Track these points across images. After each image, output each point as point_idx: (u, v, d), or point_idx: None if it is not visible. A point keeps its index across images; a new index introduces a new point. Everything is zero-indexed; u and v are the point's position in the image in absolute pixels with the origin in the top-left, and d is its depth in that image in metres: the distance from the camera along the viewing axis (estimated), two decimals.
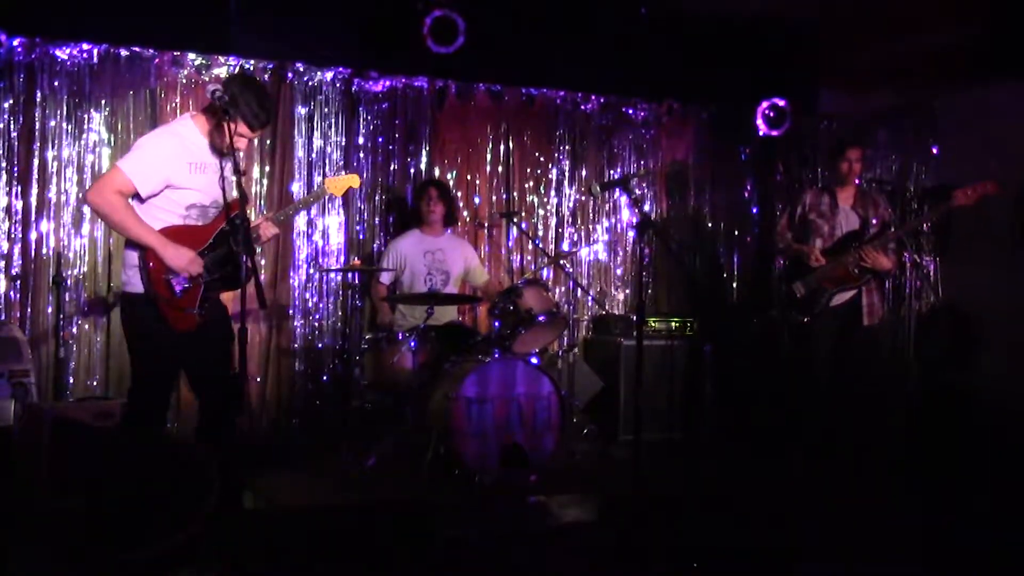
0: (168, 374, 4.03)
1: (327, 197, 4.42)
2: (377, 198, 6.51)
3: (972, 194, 5.26)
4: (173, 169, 3.83)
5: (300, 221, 6.25)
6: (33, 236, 5.60)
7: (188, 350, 3.94)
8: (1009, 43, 6.10)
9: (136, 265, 3.84)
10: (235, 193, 3.83)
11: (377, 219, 6.53)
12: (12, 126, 5.57)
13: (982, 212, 5.41)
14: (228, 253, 3.93)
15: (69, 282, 5.63)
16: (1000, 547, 4.08)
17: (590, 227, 7.21)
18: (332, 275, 6.36)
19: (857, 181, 5.79)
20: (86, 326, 5.71)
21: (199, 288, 3.90)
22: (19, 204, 5.58)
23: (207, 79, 5.89)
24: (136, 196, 3.82)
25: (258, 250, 4.33)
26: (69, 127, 5.68)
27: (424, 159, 6.62)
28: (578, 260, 7.15)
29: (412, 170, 6.60)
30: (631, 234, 7.26)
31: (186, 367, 4.10)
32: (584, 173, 7.13)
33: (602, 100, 7.13)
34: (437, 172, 6.64)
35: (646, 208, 7.28)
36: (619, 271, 7.32)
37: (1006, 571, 3.91)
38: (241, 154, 4.06)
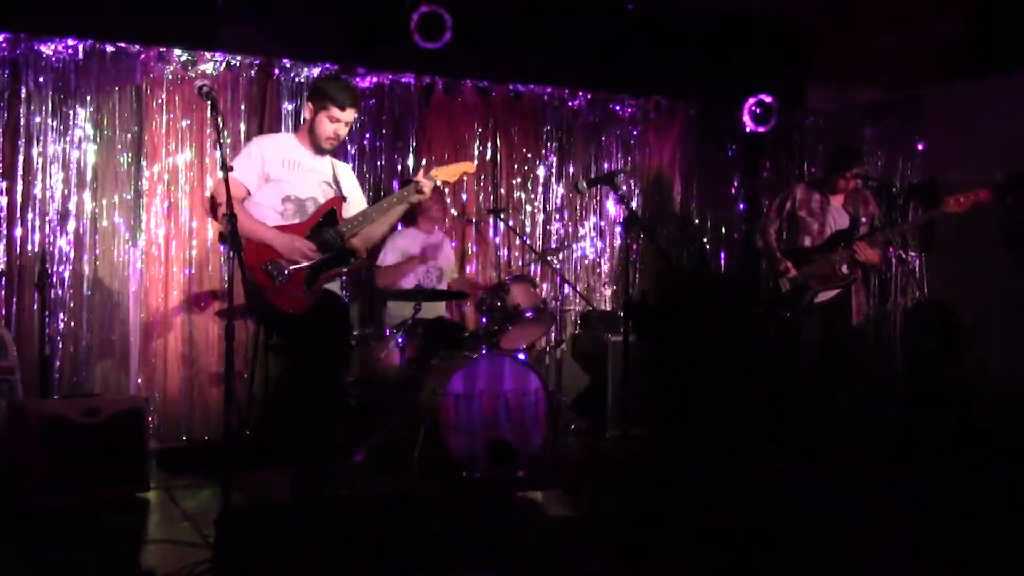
0: (302, 355, 4.24)
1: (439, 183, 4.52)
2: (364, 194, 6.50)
3: (964, 201, 5.28)
4: (267, 162, 4.23)
5: None
6: (18, 233, 5.56)
7: (304, 330, 4.16)
8: (994, 38, 6.13)
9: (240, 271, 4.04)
10: (332, 194, 4.33)
11: None
12: None
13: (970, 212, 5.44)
14: (327, 240, 4.20)
15: (54, 278, 5.61)
16: (983, 537, 4.11)
17: (577, 223, 7.23)
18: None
19: None
20: (72, 322, 5.68)
21: (303, 271, 4.13)
22: (4, 201, 5.54)
23: (193, 75, 5.87)
24: (248, 196, 4.24)
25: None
26: (54, 123, 5.64)
27: (411, 155, 6.61)
28: (565, 256, 7.16)
29: (399, 166, 6.59)
30: (618, 230, 7.28)
31: (304, 348, 4.24)
32: (571, 169, 7.15)
33: (589, 96, 7.14)
34: (424, 169, 6.63)
35: (633, 204, 7.30)
36: (606, 267, 7.34)
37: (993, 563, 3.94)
38: (229, 149, 4.17)
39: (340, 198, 4.38)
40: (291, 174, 4.26)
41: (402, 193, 4.40)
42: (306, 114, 4.35)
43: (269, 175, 4.23)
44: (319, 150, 4.36)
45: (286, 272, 4.10)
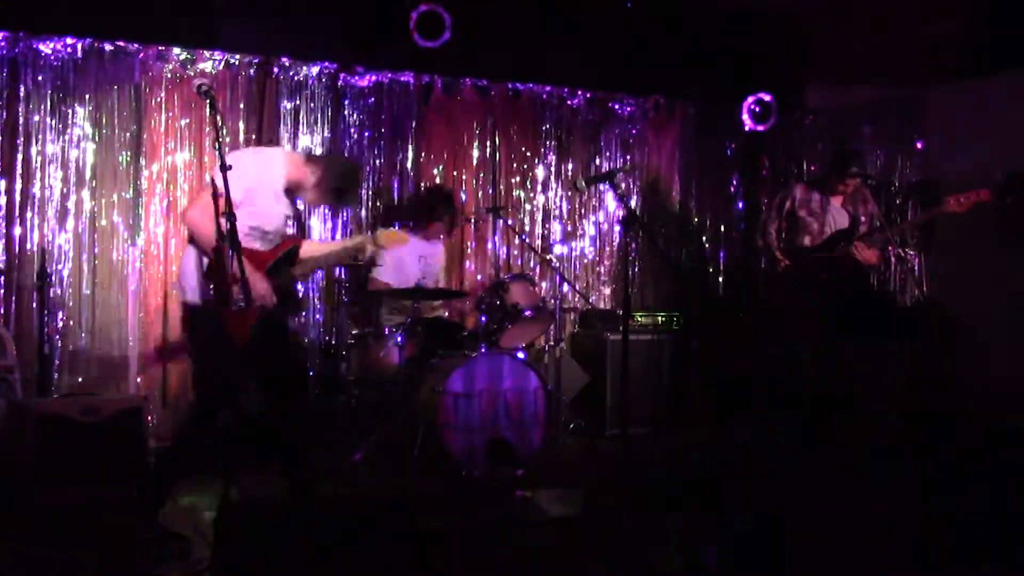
0: (228, 380, 4.08)
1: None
2: (363, 193, 6.50)
3: (965, 201, 5.28)
4: (257, 184, 4.03)
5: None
6: (17, 232, 5.56)
7: (249, 360, 4.00)
8: (994, 36, 6.13)
9: (196, 276, 3.97)
10: (293, 229, 4.20)
11: (363, 214, 6.52)
12: None
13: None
14: (282, 284, 4.10)
15: (53, 277, 5.61)
16: (982, 536, 4.12)
17: (577, 222, 7.23)
18: (317, 270, 6.34)
19: None
20: (71, 321, 5.68)
21: (251, 309, 3.94)
22: (3, 200, 5.54)
23: (192, 74, 5.87)
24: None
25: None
26: (53, 122, 5.63)
27: (410, 154, 6.61)
28: (564, 255, 7.16)
29: (398, 165, 6.59)
30: (617, 228, 7.28)
31: (250, 375, 4.18)
32: (570, 168, 7.15)
33: (588, 95, 7.14)
34: (423, 167, 6.63)
35: (632, 203, 7.30)
36: (605, 266, 7.34)
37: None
38: (228, 148, 4.15)
39: (303, 237, 4.34)
40: (271, 207, 4.13)
41: (350, 249, 4.43)
42: (308, 177, 4.21)
43: (254, 199, 4.06)
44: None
45: (241, 305, 3.90)
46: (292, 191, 4.23)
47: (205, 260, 3.97)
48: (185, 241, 4.14)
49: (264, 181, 4.10)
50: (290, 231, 4.29)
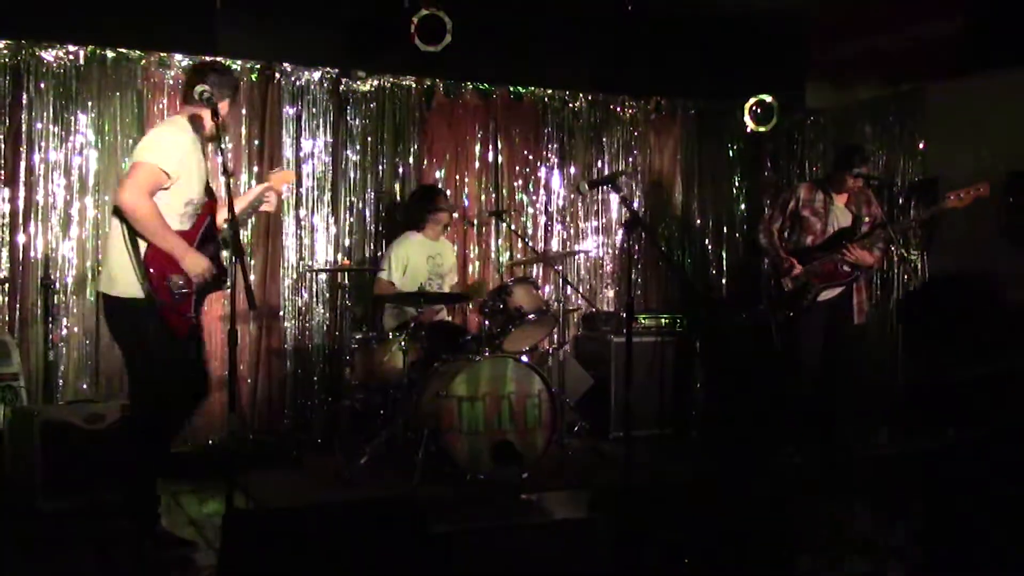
0: (169, 377, 4.02)
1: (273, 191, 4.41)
2: (366, 197, 6.51)
3: (965, 196, 5.27)
4: (190, 157, 3.89)
5: (289, 221, 6.24)
6: (21, 239, 5.58)
7: (182, 353, 3.99)
8: (995, 34, 6.12)
9: (132, 269, 3.83)
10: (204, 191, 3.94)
11: (367, 218, 6.53)
12: None
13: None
14: (212, 255, 3.98)
15: (57, 284, 5.62)
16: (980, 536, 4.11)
17: (579, 225, 7.23)
18: (321, 275, 6.35)
19: None
20: (76, 328, 5.69)
21: (193, 292, 3.92)
22: (6, 207, 5.56)
23: None
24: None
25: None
26: (56, 129, 5.65)
27: (412, 158, 6.62)
28: (568, 258, 7.16)
29: (400, 169, 6.60)
30: (620, 231, 7.27)
31: (178, 369, 4.11)
32: (572, 171, 7.15)
33: (589, 97, 7.15)
34: (425, 171, 6.64)
35: (634, 205, 7.30)
36: (608, 268, 7.34)
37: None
38: (230, 153, 4.12)
39: (215, 201, 4.13)
40: (199, 174, 3.99)
41: (253, 201, 4.34)
42: (216, 109, 3.89)
43: (183, 173, 3.89)
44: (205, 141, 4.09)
45: (184, 291, 3.88)
46: (219, 136, 4.00)
47: (144, 245, 3.82)
48: (119, 232, 3.88)
49: (188, 149, 3.92)
50: (206, 196, 4.10)
